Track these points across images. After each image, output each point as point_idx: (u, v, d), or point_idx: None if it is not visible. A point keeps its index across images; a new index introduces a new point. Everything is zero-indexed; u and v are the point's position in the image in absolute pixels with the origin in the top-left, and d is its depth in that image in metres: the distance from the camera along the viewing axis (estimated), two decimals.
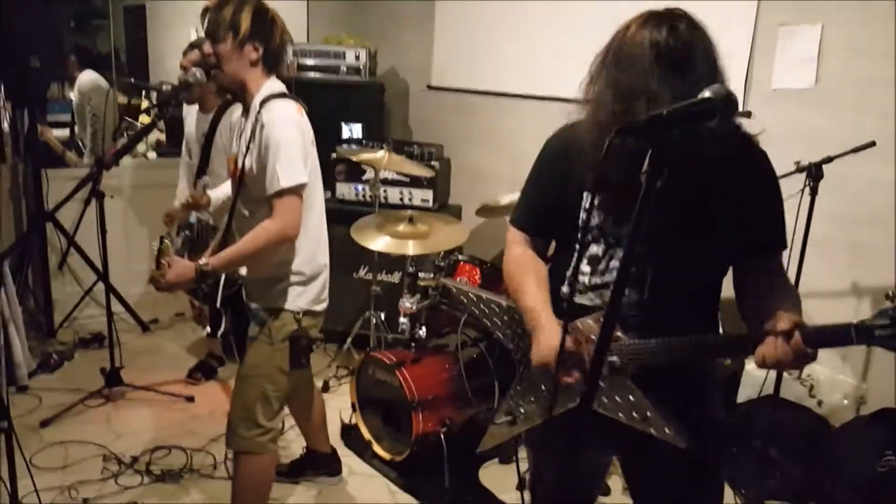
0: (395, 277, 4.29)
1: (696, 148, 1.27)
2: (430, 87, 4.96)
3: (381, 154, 3.75)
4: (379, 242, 3.47)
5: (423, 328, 3.29)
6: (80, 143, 5.11)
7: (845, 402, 3.01)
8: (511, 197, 3.43)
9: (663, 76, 1.44)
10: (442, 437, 3.03)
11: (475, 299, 1.91)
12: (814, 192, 2.63)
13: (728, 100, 1.07)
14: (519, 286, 1.74)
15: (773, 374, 2.90)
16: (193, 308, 3.96)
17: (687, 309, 1.60)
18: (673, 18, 1.52)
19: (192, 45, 3.65)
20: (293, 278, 2.45)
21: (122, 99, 5.17)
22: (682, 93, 1.36)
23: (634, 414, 1.56)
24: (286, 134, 2.28)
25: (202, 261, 2.31)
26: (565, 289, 1.70)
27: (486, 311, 1.87)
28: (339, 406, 3.59)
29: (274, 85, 2.39)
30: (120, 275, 4.72)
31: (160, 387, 3.89)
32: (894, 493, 2.63)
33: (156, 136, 5.76)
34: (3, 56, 4.11)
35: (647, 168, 0.99)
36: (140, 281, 5.05)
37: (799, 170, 2.67)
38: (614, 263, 1.63)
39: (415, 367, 3.09)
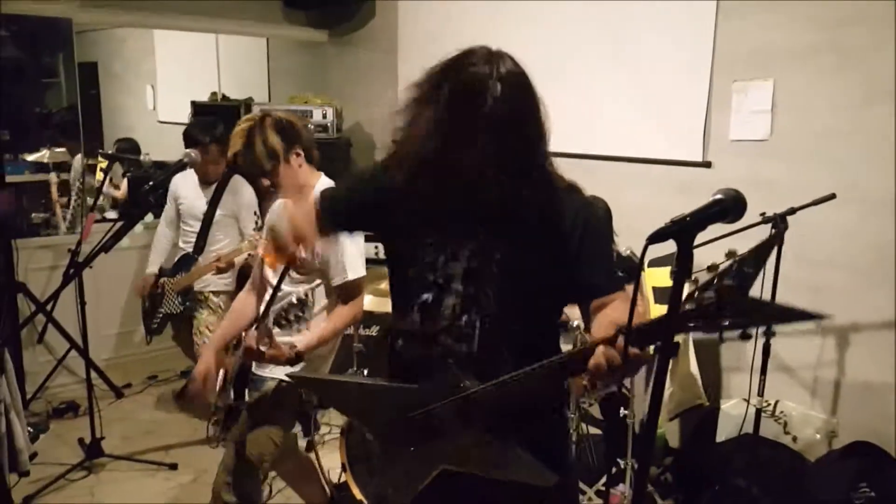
0: (374, 331, 4.33)
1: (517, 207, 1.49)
2: (395, 142, 5.03)
3: None
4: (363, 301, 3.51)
5: None
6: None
7: (818, 436, 3.16)
8: None
9: (488, 113, 1.46)
10: None
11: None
12: (781, 242, 2.78)
13: (737, 199, 1.18)
14: None
15: (751, 412, 3.04)
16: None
17: (521, 357, 1.50)
18: (499, 57, 1.54)
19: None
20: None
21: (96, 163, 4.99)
22: (499, 135, 1.45)
23: (495, 468, 1.54)
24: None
25: (292, 342, 2.31)
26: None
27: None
28: (326, 465, 3.59)
29: (325, 180, 2.54)
30: (90, 340, 4.64)
31: (141, 455, 3.85)
32: None
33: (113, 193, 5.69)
34: None
35: (675, 267, 1.09)
36: (109, 345, 4.99)
37: (764, 220, 2.83)
38: (444, 308, 1.61)
39: None
